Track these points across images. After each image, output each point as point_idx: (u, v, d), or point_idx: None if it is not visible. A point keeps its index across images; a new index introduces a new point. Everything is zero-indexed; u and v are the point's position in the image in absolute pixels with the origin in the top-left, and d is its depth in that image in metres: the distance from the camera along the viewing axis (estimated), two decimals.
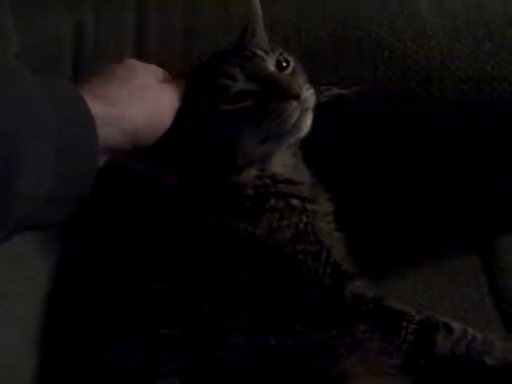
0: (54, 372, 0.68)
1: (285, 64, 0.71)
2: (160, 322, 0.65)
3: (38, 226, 0.57)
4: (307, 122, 0.69)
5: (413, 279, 0.86)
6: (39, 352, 0.69)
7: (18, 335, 0.67)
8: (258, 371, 0.63)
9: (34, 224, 0.55)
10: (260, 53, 0.70)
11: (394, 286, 0.83)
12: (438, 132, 0.86)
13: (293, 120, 0.67)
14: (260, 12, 0.77)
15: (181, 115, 0.67)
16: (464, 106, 0.84)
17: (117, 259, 0.70)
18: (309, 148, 0.78)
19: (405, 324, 0.68)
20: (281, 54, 0.72)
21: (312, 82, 0.73)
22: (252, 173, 0.73)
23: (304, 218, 0.72)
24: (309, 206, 0.73)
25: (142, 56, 0.77)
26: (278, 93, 0.67)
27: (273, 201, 0.72)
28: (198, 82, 0.70)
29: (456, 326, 0.69)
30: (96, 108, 0.57)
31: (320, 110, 0.72)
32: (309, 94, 0.69)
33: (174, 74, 0.72)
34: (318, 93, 0.72)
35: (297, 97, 0.67)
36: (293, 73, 0.71)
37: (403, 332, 0.68)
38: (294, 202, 0.73)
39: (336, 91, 0.73)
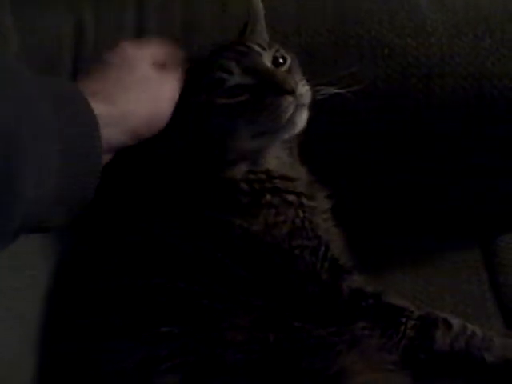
0: (54, 370, 0.68)
1: (281, 61, 0.72)
2: (160, 320, 0.65)
3: (43, 228, 0.57)
4: (302, 118, 0.70)
5: (413, 275, 0.86)
6: (39, 350, 0.70)
7: (18, 333, 0.68)
8: (257, 368, 0.63)
9: (38, 226, 0.55)
10: (256, 48, 0.71)
11: (394, 282, 0.83)
12: (438, 129, 0.85)
13: (287, 115, 0.68)
14: (261, 8, 0.77)
15: (179, 108, 0.67)
16: (464, 102, 0.83)
17: (116, 257, 0.71)
18: (308, 147, 0.78)
19: (404, 320, 0.69)
20: (278, 51, 0.72)
21: (309, 80, 0.73)
22: (243, 167, 0.73)
23: (300, 214, 0.72)
24: (305, 202, 0.74)
25: None
26: (273, 88, 0.67)
27: (268, 196, 0.72)
28: (195, 76, 0.70)
29: (455, 321, 0.70)
30: (99, 108, 0.57)
31: (320, 107, 0.72)
32: (304, 91, 0.70)
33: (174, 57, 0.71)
34: (314, 90, 0.72)
35: (292, 92, 0.67)
36: (289, 70, 0.72)
37: (402, 328, 0.68)
38: (290, 197, 0.73)
39: (332, 90, 0.73)
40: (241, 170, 0.73)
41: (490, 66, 0.83)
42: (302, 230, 0.71)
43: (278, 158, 0.75)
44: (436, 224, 0.91)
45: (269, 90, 0.67)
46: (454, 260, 0.88)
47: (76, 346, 0.67)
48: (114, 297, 0.68)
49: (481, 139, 0.85)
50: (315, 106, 0.72)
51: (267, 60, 0.71)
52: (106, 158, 0.61)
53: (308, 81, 0.73)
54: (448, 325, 0.69)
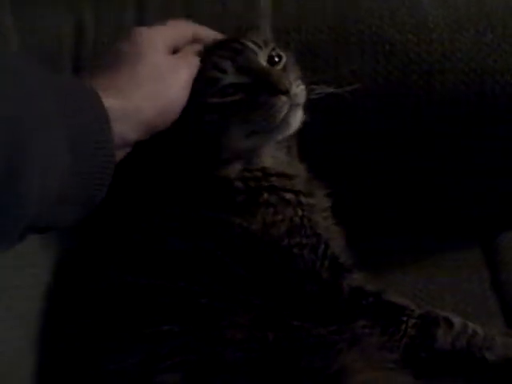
0: (55, 369, 0.69)
1: (277, 59, 0.71)
2: (160, 319, 0.65)
3: (52, 227, 0.57)
4: (296, 118, 0.69)
5: (414, 275, 0.85)
6: (39, 349, 0.70)
7: (18, 332, 0.68)
8: (257, 366, 0.63)
9: (47, 225, 0.55)
10: (251, 46, 0.70)
11: (395, 281, 0.83)
12: (439, 127, 0.85)
13: (281, 115, 0.67)
14: (267, 6, 0.77)
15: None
16: (466, 99, 0.83)
17: (116, 256, 0.71)
18: (307, 145, 0.78)
19: (405, 318, 0.68)
20: (273, 49, 0.71)
21: (309, 78, 0.73)
22: (238, 166, 0.72)
23: (299, 212, 0.72)
24: (304, 200, 0.73)
25: None
26: (267, 87, 0.67)
27: (266, 195, 0.72)
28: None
29: (456, 320, 0.69)
30: (110, 102, 0.56)
31: (319, 105, 0.72)
32: (299, 90, 0.69)
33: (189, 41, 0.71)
34: (310, 89, 0.71)
35: (286, 92, 0.66)
36: (284, 68, 0.71)
37: (403, 326, 0.68)
38: (288, 195, 0.72)
39: (329, 90, 0.73)
40: (235, 168, 0.72)
41: (491, 62, 0.83)
42: (300, 228, 0.71)
43: (274, 157, 0.75)
44: (436, 223, 0.91)
45: (263, 90, 0.67)
46: (455, 259, 0.88)
47: (76, 345, 0.67)
48: (115, 296, 0.68)
49: (482, 137, 0.85)
50: (315, 105, 0.72)
51: (262, 59, 0.70)
52: (122, 153, 0.61)
53: (308, 78, 0.72)
54: (449, 323, 0.69)
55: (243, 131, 0.69)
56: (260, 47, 0.70)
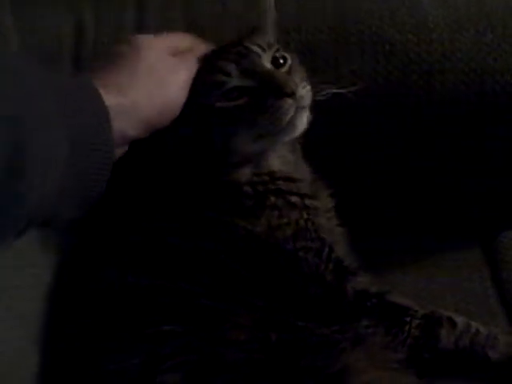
0: (56, 368, 0.68)
1: (282, 61, 0.71)
2: (162, 319, 0.65)
3: (51, 223, 0.57)
4: (303, 120, 0.69)
5: (414, 275, 0.85)
6: (40, 349, 0.70)
7: (19, 332, 0.68)
8: (259, 366, 0.63)
9: (46, 221, 0.55)
10: (255, 49, 0.70)
11: (396, 281, 0.82)
12: (439, 126, 0.85)
13: (288, 118, 0.67)
14: (273, 8, 0.77)
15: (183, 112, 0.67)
16: (466, 99, 0.83)
17: (118, 257, 0.70)
18: (308, 145, 0.78)
19: (408, 319, 0.68)
20: (277, 51, 0.71)
21: (309, 80, 0.72)
22: (248, 170, 0.72)
23: (304, 215, 0.72)
24: (309, 203, 0.73)
25: None
26: (273, 90, 0.66)
27: (272, 198, 0.71)
28: (195, 78, 0.69)
29: (459, 320, 0.69)
30: (109, 99, 0.57)
31: (320, 105, 0.72)
32: (305, 92, 0.69)
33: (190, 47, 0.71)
34: (314, 91, 0.71)
35: (292, 94, 0.66)
36: (290, 70, 0.71)
37: (407, 327, 0.68)
38: (294, 199, 0.72)
39: (333, 90, 0.73)
40: (245, 172, 0.72)
41: (491, 62, 0.83)
42: (305, 231, 0.71)
43: (281, 159, 0.75)
44: (437, 222, 0.91)
45: (269, 93, 0.66)
46: (456, 258, 0.88)
47: (77, 345, 0.67)
48: (116, 296, 0.68)
49: (482, 136, 0.85)
50: (315, 105, 0.72)
51: (266, 61, 0.70)
52: (120, 151, 0.61)
53: (309, 79, 0.72)
54: (452, 323, 0.69)
55: (250, 135, 0.69)
56: (264, 49, 0.70)
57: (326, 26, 0.84)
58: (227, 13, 0.84)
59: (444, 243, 0.89)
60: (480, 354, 0.68)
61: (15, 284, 0.68)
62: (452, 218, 0.91)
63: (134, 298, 0.67)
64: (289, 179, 0.74)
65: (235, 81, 0.68)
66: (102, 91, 0.57)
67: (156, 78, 0.63)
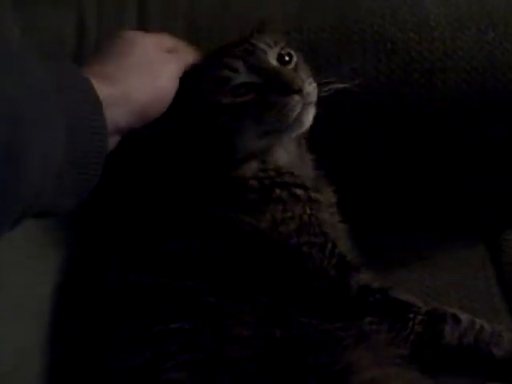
0: (61, 367, 0.68)
1: (287, 58, 0.71)
2: (168, 317, 0.65)
3: (47, 213, 0.57)
4: (309, 117, 0.69)
5: (419, 272, 0.85)
6: (46, 347, 0.69)
7: (25, 330, 0.67)
8: (263, 363, 0.62)
9: (42, 211, 0.55)
10: (262, 46, 0.70)
11: (400, 279, 0.82)
12: (441, 125, 0.85)
13: (294, 114, 0.67)
14: None
15: (186, 106, 0.67)
16: (467, 97, 0.83)
17: (124, 255, 0.71)
18: (310, 143, 0.78)
19: (412, 315, 0.68)
20: (283, 48, 0.71)
21: (313, 76, 0.72)
22: (253, 166, 0.73)
23: (308, 210, 0.72)
24: (313, 195, 0.73)
25: None
26: (280, 87, 0.67)
27: (278, 191, 0.72)
28: (201, 75, 0.70)
29: (464, 316, 0.69)
30: (101, 89, 0.57)
31: (323, 102, 0.72)
32: (311, 89, 0.69)
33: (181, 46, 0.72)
34: (319, 87, 0.71)
35: (299, 91, 0.66)
36: (296, 67, 0.71)
37: (410, 323, 0.68)
38: (298, 191, 0.73)
39: (337, 85, 0.73)
40: (251, 168, 0.72)
41: (493, 60, 0.83)
42: (309, 226, 0.71)
43: (287, 154, 0.75)
44: (441, 220, 0.90)
45: (276, 90, 0.67)
46: (460, 256, 0.88)
47: (84, 344, 0.67)
48: (122, 294, 0.68)
49: (484, 134, 0.85)
50: (318, 102, 0.72)
51: (272, 58, 0.70)
52: (115, 140, 0.62)
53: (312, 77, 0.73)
54: (456, 320, 0.69)
55: (256, 132, 0.69)
56: (270, 46, 0.70)
57: (327, 25, 0.84)
58: (228, 13, 0.84)
59: (449, 241, 0.89)
60: (484, 351, 0.68)
61: (18, 283, 0.68)
62: (456, 215, 0.90)
63: (139, 296, 0.68)
64: (293, 173, 0.74)
65: (242, 77, 0.68)
66: (93, 81, 0.57)
67: (147, 70, 0.64)
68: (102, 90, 0.57)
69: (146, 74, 0.63)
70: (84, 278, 0.72)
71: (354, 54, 0.83)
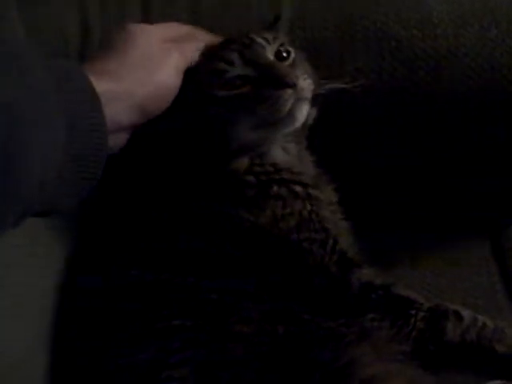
0: (65, 364, 0.69)
1: (285, 54, 0.71)
2: (171, 314, 0.66)
3: (48, 212, 0.57)
4: (303, 112, 0.69)
5: (422, 269, 0.85)
6: (50, 344, 0.70)
7: (28, 327, 0.68)
8: (266, 360, 0.63)
9: (43, 209, 0.55)
10: (259, 40, 0.71)
11: (403, 275, 0.83)
12: (445, 121, 0.85)
13: (286, 108, 0.67)
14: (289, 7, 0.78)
15: (183, 98, 0.67)
16: (471, 93, 0.83)
17: (125, 252, 0.71)
18: (312, 141, 0.78)
19: (414, 312, 0.68)
20: (282, 45, 0.72)
21: (315, 74, 0.73)
22: (246, 160, 0.73)
23: (308, 206, 0.72)
24: (312, 192, 0.74)
25: None
26: (273, 80, 0.67)
27: (275, 188, 0.72)
28: (198, 67, 0.70)
29: (466, 313, 0.69)
30: (102, 85, 0.57)
31: (325, 101, 0.73)
32: (306, 85, 0.69)
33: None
34: (319, 85, 0.72)
35: (292, 85, 0.67)
36: (292, 64, 0.72)
37: (412, 320, 0.68)
38: (297, 188, 0.73)
39: (337, 85, 0.74)
40: (244, 162, 0.73)
41: (496, 57, 0.82)
42: (309, 222, 0.71)
43: (284, 151, 0.75)
44: (444, 216, 0.90)
45: (269, 83, 0.67)
46: (463, 252, 0.88)
47: (86, 341, 0.68)
48: (125, 291, 0.68)
49: (489, 131, 0.85)
50: (320, 101, 0.72)
51: (270, 53, 0.70)
52: (123, 136, 0.62)
53: (314, 75, 0.73)
54: (459, 316, 0.69)
55: (249, 124, 0.69)
56: (268, 42, 0.71)
57: (330, 23, 0.84)
58: (228, 13, 0.84)
59: (451, 237, 0.89)
60: (487, 348, 0.68)
61: (20, 281, 0.68)
62: (460, 212, 0.90)
63: (141, 293, 0.68)
64: (291, 171, 0.74)
65: (238, 70, 0.68)
66: (93, 78, 0.57)
67: (149, 64, 0.64)
68: (103, 86, 0.57)
69: (148, 69, 0.63)
70: (89, 274, 0.72)
71: (357, 51, 0.83)
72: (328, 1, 0.85)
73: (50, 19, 0.79)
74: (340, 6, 0.85)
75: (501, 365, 0.68)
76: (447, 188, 0.90)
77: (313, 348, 0.64)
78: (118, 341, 0.67)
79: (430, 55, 0.83)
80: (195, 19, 0.83)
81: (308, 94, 0.70)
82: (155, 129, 0.66)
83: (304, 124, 0.72)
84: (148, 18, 0.83)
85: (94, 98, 0.56)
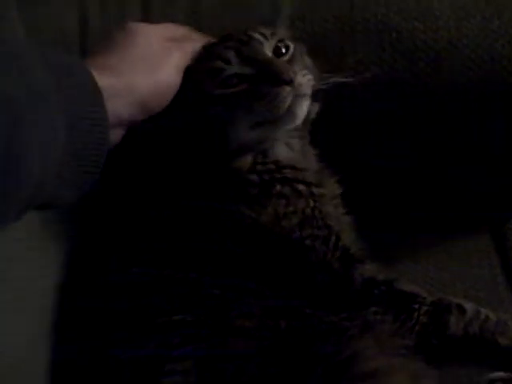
0: (67, 359, 0.69)
1: (284, 50, 0.71)
2: (172, 309, 0.66)
3: (48, 205, 0.57)
4: (303, 108, 0.69)
5: (424, 263, 0.85)
6: (51, 340, 0.70)
7: (29, 323, 0.68)
8: (268, 354, 0.63)
9: (44, 203, 0.55)
10: (257, 36, 0.70)
11: (406, 270, 0.83)
12: (447, 112, 0.84)
13: (285, 105, 0.67)
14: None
15: (181, 98, 0.67)
16: (473, 85, 0.83)
17: (127, 248, 0.71)
18: (314, 135, 0.78)
19: (417, 306, 0.69)
20: (280, 40, 0.71)
21: (315, 69, 0.73)
22: (249, 158, 0.72)
23: (311, 203, 0.72)
24: (315, 190, 0.73)
25: None
26: (271, 77, 0.66)
27: (278, 187, 0.72)
28: (196, 66, 0.69)
29: (469, 306, 0.69)
30: (103, 80, 0.57)
31: (326, 94, 0.72)
32: (305, 81, 0.69)
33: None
34: (317, 79, 0.71)
35: (290, 82, 0.66)
36: (291, 59, 0.71)
37: (415, 314, 0.68)
38: (300, 187, 0.73)
39: (337, 79, 0.73)
40: (247, 160, 0.72)
41: (498, 48, 0.82)
42: (312, 219, 0.71)
43: (287, 148, 0.75)
44: (446, 210, 0.90)
45: (267, 80, 0.66)
46: (465, 245, 0.88)
47: (87, 336, 0.68)
48: (126, 287, 0.68)
49: (491, 123, 0.85)
50: (321, 94, 0.72)
51: (268, 49, 0.70)
52: (119, 132, 0.62)
53: (314, 68, 0.73)
54: (462, 310, 0.69)
55: (248, 122, 0.69)
56: (266, 38, 0.70)
57: (331, 15, 0.83)
58: (228, 13, 0.83)
59: (453, 231, 0.89)
60: (490, 341, 0.68)
61: (20, 275, 0.68)
62: (461, 205, 0.90)
63: (142, 288, 0.68)
64: (295, 168, 0.74)
65: (234, 68, 0.68)
66: (95, 72, 0.57)
67: (150, 61, 0.64)
68: (104, 81, 0.57)
69: (149, 65, 0.63)
70: (86, 271, 0.72)
71: (358, 44, 0.83)
72: None
73: (49, 19, 0.79)
74: None
75: (503, 357, 0.68)
76: (447, 180, 0.89)
77: (315, 342, 0.64)
78: (119, 335, 0.67)
79: (431, 46, 0.82)
80: (195, 19, 0.83)
81: (307, 90, 0.69)
82: (156, 126, 0.65)
83: (306, 119, 0.71)
84: (148, 17, 0.83)
85: (96, 92, 0.56)
